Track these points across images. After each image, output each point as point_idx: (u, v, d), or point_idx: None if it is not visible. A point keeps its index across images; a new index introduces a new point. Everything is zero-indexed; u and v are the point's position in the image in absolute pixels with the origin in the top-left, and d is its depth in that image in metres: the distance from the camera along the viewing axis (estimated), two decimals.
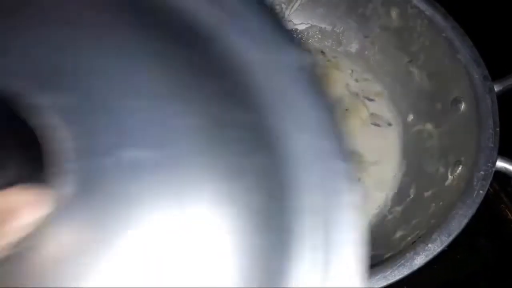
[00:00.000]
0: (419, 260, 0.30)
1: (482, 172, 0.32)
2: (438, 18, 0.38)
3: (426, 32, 0.39)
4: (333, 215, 0.16)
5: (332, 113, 0.16)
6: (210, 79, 0.17)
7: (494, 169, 0.32)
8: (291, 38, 0.17)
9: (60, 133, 0.15)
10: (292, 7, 0.45)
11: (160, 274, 0.15)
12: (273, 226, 0.16)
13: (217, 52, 0.17)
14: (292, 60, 0.17)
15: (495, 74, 0.36)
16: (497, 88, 0.35)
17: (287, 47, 0.17)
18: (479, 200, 0.31)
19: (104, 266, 0.15)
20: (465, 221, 0.31)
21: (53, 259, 0.15)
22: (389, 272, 0.29)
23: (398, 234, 0.36)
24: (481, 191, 0.32)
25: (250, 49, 0.17)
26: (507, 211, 0.38)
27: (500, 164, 0.33)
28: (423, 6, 0.38)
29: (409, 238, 0.34)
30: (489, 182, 0.32)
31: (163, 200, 0.15)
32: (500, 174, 0.33)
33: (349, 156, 0.16)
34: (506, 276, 0.37)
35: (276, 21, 0.17)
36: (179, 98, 0.16)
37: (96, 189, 0.15)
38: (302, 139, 0.16)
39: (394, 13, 0.42)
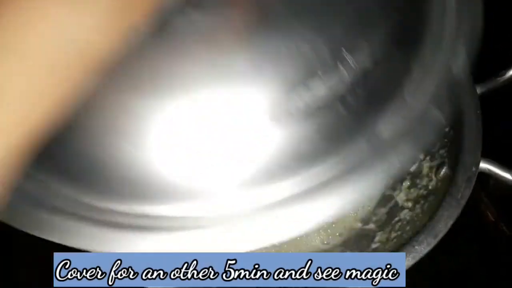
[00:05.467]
0: (407, 262, 0.30)
1: (467, 174, 0.32)
2: None
3: None
4: None
5: None
6: None
7: (478, 171, 0.33)
8: None
9: None
10: None
11: None
12: None
13: None
14: None
15: (477, 77, 0.36)
16: (479, 90, 0.35)
17: None
18: (464, 201, 0.32)
19: None
20: (451, 222, 0.31)
21: None
22: None
23: (383, 236, 0.36)
24: (465, 193, 0.32)
25: None
26: (487, 211, 0.38)
27: (483, 165, 0.33)
28: None
29: (394, 240, 0.34)
30: (473, 183, 0.32)
31: None
32: (480, 175, 0.33)
33: None
34: (489, 275, 0.37)
35: None
36: None
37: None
38: None
39: None
